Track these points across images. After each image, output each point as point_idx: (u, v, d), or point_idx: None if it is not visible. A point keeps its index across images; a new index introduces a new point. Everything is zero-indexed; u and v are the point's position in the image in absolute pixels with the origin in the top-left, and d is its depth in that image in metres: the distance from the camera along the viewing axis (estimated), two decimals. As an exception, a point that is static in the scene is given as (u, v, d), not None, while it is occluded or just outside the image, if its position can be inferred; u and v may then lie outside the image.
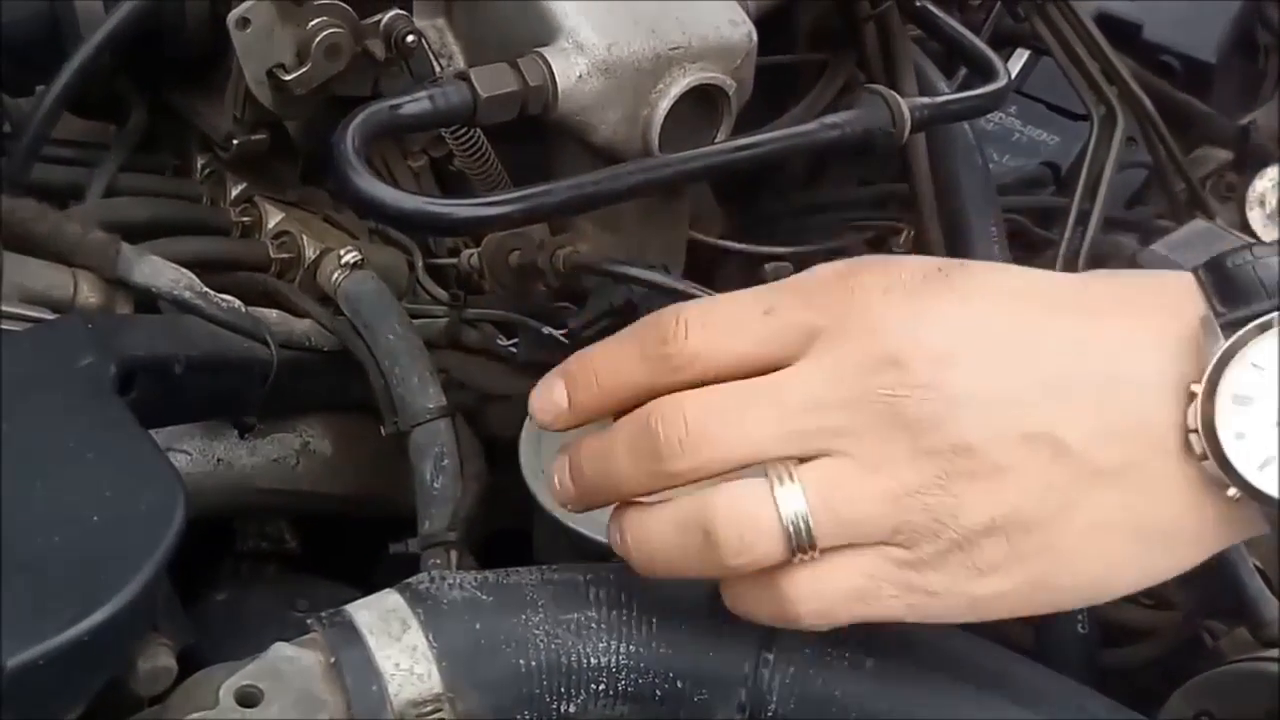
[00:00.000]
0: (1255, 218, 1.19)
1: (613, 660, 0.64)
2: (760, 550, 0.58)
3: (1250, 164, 1.19)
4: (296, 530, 0.95)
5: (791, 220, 1.12)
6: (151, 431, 0.67)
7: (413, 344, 0.84)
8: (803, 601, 0.59)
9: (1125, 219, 1.17)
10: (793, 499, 0.57)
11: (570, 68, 0.81)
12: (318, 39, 0.83)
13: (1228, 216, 1.16)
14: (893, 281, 0.59)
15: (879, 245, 1.11)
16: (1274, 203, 1.18)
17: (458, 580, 0.65)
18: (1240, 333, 0.57)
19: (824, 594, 0.58)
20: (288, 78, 0.83)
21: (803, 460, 0.58)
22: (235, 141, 0.88)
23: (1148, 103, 1.01)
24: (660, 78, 0.83)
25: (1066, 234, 1.03)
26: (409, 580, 0.66)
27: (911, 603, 0.58)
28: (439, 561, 0.77)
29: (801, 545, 0.57)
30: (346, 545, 0.94)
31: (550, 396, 0.63)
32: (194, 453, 0.84)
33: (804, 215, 1.13)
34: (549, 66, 0.81)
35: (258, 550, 0.94)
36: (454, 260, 0.95)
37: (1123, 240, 1.10)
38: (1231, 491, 0.57)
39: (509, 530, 0.86)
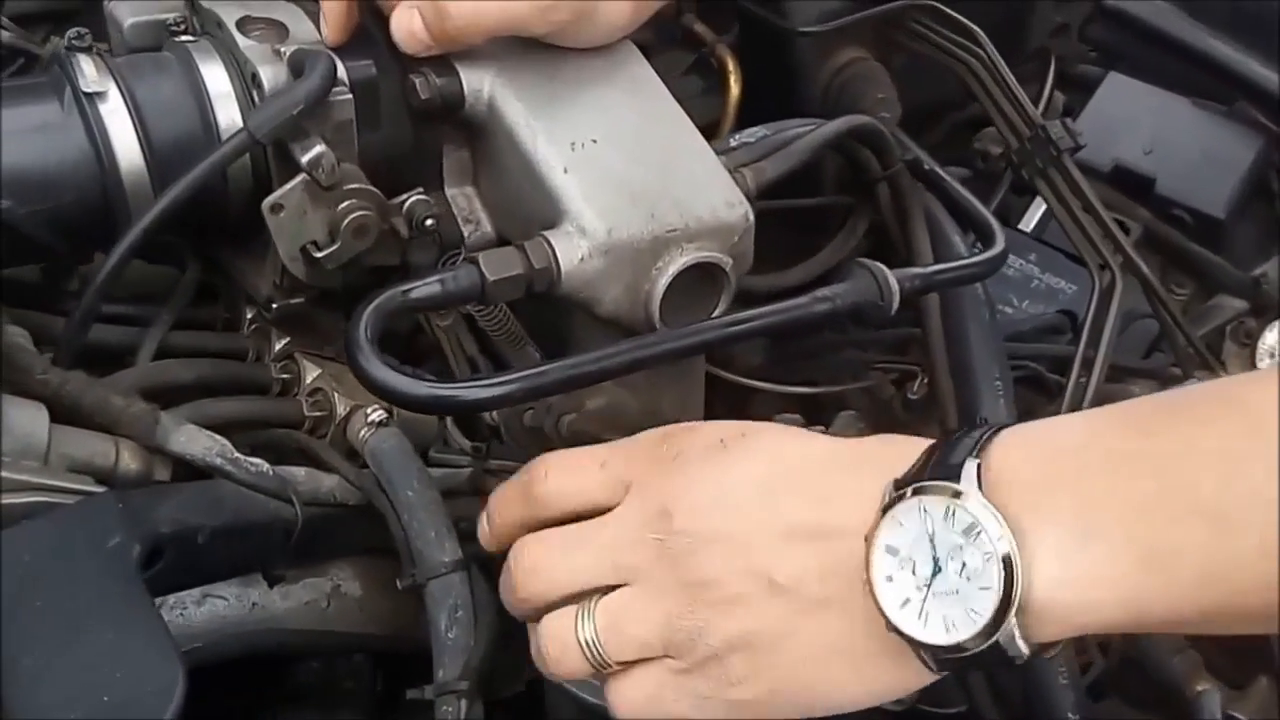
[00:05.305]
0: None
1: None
2: (570, 665, 0.75)
3: (1266, 313, 1.21)
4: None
5: (818, 360, 1.17)
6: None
7: (430, 499, 0.89)
8: (618, 707, 0.75)
9: (1141, 368, 1.20)
10: (588, 625, 0.74)
11: (573, 250, 0.87)
12: (346, 220, 0.89)
13: (1243, 365, 1.17)
14: (683, 449, 0.76)
15: (900, 386, 1.15)
16: (1285, 354, 1.20)
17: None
18: (894, 495, 0.68)
19: (630, 700, 0.74)
20: (319, 254, 0.89)
21: (613, 587, 0.74)
22: (275, 305, 0.95)
23: (1145, 269, 1.04)
24: (659, 257, 0.88)
25: (1072, 382, 1.06)
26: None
27: (691, 704, 0.73)
28: (450, 709, 0.84)
29: (599, 661, 0.74)
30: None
31: (481, 526, 0.84)
32: (230, 598, 0.91)
33: (829, 354, 1.18)
34: (553, 249, 0.87)
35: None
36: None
37: (1135, 389, 1.13)
38: (885, 624, 0.67)
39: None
